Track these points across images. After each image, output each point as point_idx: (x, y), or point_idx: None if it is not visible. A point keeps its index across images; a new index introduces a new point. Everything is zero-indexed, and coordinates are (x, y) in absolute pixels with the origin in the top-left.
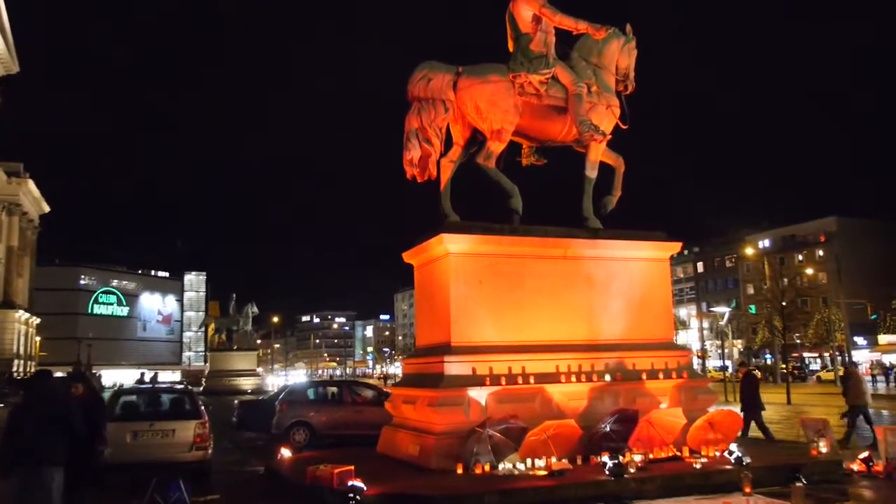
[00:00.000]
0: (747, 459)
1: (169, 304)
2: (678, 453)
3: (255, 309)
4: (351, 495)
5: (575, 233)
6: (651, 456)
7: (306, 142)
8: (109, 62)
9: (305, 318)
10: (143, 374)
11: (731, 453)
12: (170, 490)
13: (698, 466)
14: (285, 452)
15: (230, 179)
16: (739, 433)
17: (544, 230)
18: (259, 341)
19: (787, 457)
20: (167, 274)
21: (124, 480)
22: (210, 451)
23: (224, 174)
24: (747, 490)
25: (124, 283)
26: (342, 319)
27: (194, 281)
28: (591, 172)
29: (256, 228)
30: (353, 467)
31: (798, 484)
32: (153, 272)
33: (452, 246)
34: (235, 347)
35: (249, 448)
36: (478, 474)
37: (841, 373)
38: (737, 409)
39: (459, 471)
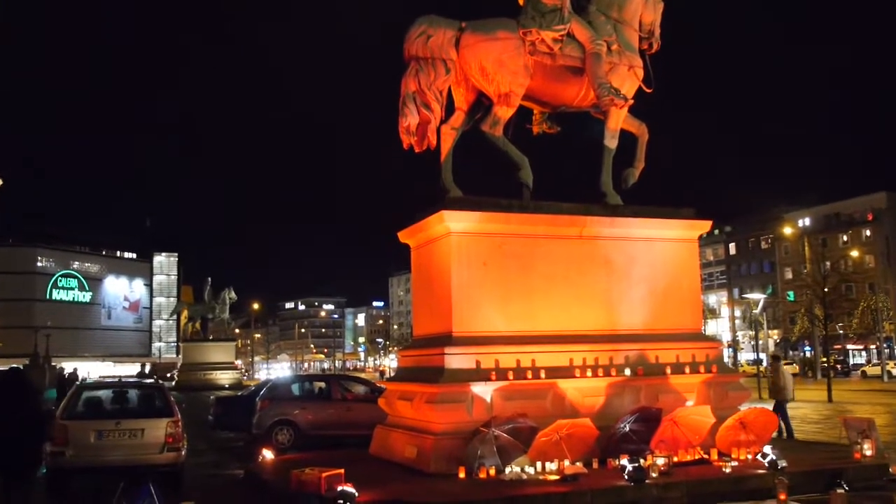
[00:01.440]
0: (783, 463)
1: (136, 288)
2: (706, 456)
3: (233, 294)
4: (340, 502)
5: (592, 210)
6: (675, 459)
7: (288, 106)
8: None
9: (289, 305)
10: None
11: (764, 456)
12: (139, 496)
13: (728, 471)
14: (267, 454)
15: (203, 151)
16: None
17: (557, 207)
18: (237, 331)
19: (828, 460)
20: (134, 255)
21: (88, 485)
22: (183, 452)
23: (197, 145)
24: (782, 497)
25: (87, 265)
26: (330, 306)
27: (165, 263)
28: (611, 142)
29: (234, 205)
30: (342, 471)
31: (839, 490)
32: (119, 253)
33: (454, 224)
34: (211, 337)
35: (227, 449)
36: (482, 479)
37: (890, 367)
38: (770, 406)
39: (461, 475)
